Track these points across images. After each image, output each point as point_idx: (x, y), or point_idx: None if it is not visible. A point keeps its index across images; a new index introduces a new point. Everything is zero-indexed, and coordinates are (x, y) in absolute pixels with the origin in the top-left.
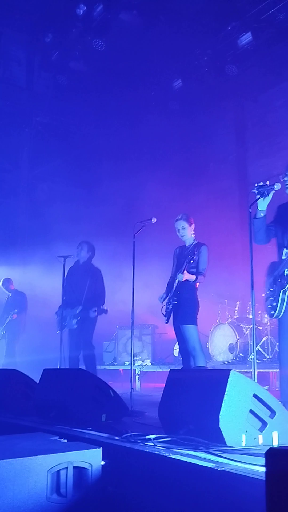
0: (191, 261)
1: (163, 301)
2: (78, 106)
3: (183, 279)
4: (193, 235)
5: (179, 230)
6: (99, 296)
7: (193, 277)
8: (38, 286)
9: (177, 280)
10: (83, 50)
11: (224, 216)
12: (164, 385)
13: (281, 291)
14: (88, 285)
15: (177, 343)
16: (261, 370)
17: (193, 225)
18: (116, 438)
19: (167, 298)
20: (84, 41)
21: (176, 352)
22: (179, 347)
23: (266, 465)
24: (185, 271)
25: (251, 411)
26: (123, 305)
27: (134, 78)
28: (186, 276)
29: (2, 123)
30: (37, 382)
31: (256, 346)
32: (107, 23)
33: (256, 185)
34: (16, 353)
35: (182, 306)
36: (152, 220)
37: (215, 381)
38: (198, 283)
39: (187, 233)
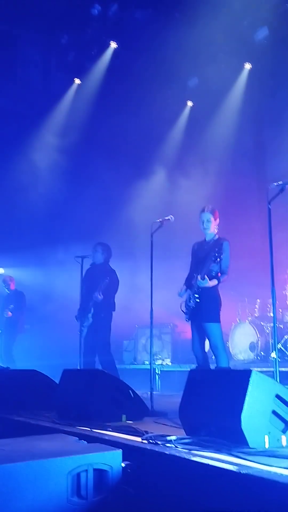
0: (218, 260)
1: (182, 296)
2: (94, 106)
3: (206, 285)
4: (215, 230)
5: (203, 222)
6: (112, 298)
7: (215, 282)
8: (56, 287)
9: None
10: (99, 51)
11: (243, 213)
12: (184, 384)
13: None
14: (102, 286)
15: None
16: (284, 369)
17: (217, 220)
18: (136, 439)
19: (187, 295)
20: (99, 41)
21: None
22: (193, 346)
23: None
24: (206, 277)
25: (274, 412)
26: (142, 304)
27: (150, 76)
28: (209, 283)
29: (19, 125)
30: (57, 383)
31: (278, 344)
32: (122, 23)
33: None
34: (14, 356)
35: (204, 303)
36: (170, 219)
37: (236, 382)
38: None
39: (211, 227)
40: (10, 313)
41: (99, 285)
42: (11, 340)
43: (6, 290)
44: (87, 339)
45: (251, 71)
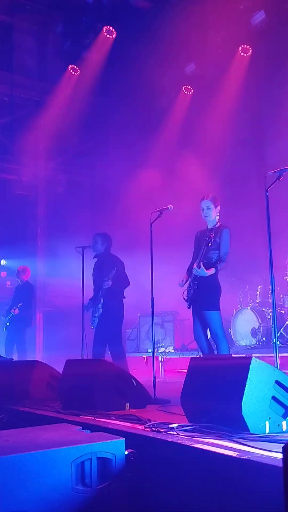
0: (209, 244)
1: (183, 285)
2: (92, 94)
3: (201, 275)
4: (217, 218)
5: (203, 209)
6: (122, 284)
7: (212, 271)
8: (57, 278)
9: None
10: (94, 38)
11: (243, 200)
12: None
13: None
14: (110, 275)
15: None
16: (285, 355)
17: (218, 207)
18: (139, 427)
19: (188, 283)
20: (95, 29)
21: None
22: (195, 334)
23: (284, 459)
24: (202, 267)
25: (274, 398)
26: (143, 293)
27: (147, 63)
28: (204, 273)
29: (17, 116)
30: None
31: (279, 330)
32: (118, 10)
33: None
34: (27, 348)
35: (203, 291)
36: (169, 208)
37: (236, 369)
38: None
39: (211, 214)
40: (16, 310)
41: (108, 275)
42: (20, 334)
43: (18, 281)
44: (97, 329)
45: (248, 56)
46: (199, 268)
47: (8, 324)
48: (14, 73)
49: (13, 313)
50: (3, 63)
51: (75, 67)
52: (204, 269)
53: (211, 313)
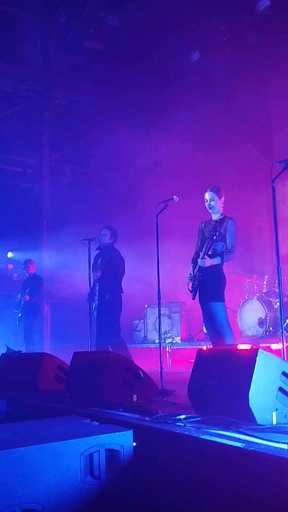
0: (214, 237)
1: (192, 278)
2: (96, 84)
3: (206, 265)
4: (221, 209)
5: (207, 201)
6: (114, 276)
7: (215, 262)
8: (64, 270)
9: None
10: (97, 28)
11: (250, 190)
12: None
13: None
14: (104, 268)
15: None
16: None
17: (223, 198)
18: (147, 419)
19: (193, 275)
20: (98, 18)
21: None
22: (205, 324)
23: None
24: (206, 258)
25: (280, 389)
26: (150, 284)
27: (151, 52)
28: (208, 262)
29: (22, 108)
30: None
31: (286, 320)
32: None
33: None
34: (35, 339)
35: (208, 282)
36: (174, 199)
37: (243, 361)
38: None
39: (216, 205)
40: (27, 297)
41: (98, 264)
42: (30, 324)
43: (26, 273)
44: (97, 321)
45: (254, 43)
46: (203, 259)
47: (20, 315)
48: (18, 64)
49: (24, 300)
50: (7, 54)
51: (78, 57)
52: (209, 259)
53: (215, 304)
